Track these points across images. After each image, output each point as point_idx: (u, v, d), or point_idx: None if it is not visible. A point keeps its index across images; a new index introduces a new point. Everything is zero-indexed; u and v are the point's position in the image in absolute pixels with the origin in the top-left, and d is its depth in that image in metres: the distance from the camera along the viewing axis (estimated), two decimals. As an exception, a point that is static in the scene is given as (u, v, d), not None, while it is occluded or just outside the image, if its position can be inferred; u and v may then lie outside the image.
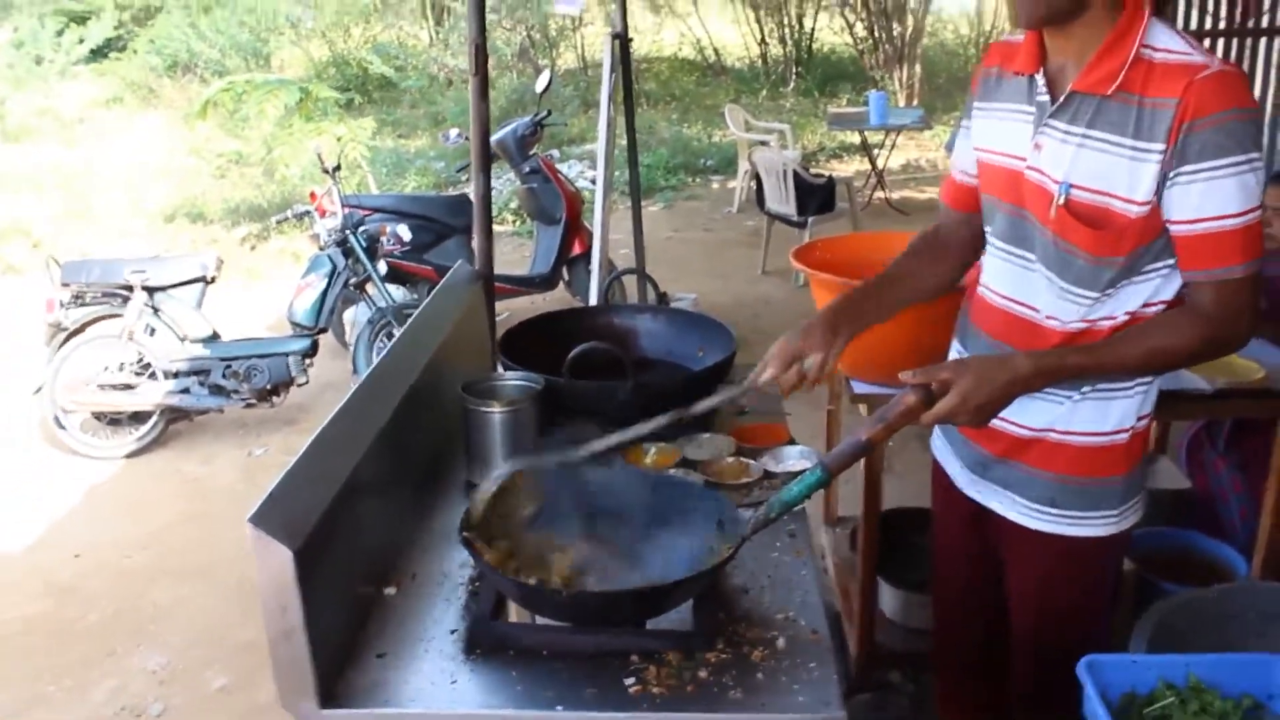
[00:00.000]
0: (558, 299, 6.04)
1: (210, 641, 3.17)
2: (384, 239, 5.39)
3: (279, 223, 5.71)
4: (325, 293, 5.06)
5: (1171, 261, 1.54)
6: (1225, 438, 3.15)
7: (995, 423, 1.63)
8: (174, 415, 4.71)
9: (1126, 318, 1.58)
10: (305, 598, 1.32)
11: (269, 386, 4.67)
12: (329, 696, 1.37)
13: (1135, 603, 2.50)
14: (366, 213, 5.53)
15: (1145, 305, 1.58)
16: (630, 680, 1.40)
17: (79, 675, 3.13)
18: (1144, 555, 2.70)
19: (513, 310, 5.56)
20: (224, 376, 4.62)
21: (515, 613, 1.71)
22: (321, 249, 5.19)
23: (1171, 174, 1.46)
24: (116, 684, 3.08)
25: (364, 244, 5.06)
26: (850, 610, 2.86)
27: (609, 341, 2.17)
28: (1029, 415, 1.67)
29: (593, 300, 4.38)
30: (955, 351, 1.87)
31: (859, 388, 2.51)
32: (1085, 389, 1.63)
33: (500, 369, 2.20)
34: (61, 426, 4.60)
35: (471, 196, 2.67)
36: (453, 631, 1.52)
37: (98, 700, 3.02)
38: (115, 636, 3.31)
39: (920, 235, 1.90)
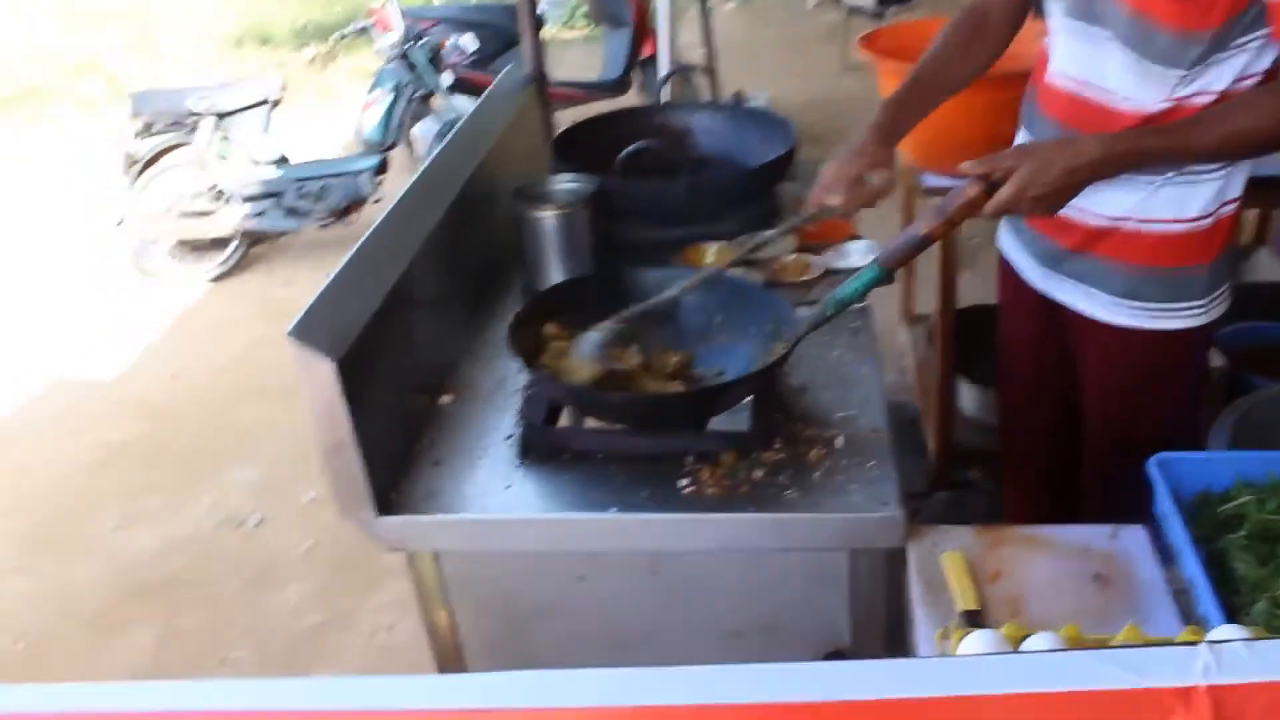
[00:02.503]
0: (632, 103, 5.87)
1: (299, 456, 3.26)
2: (446, 50, 5.27)
3: (339, 40, 5.61)
4: (391, 108, 4.98)
5: (1265, 32, 1.37)
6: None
7: (1067, 213, 1.51)
8: (253, 239, 4.76)
9: (1217, 96, 1.42)
10: (353, 410, 1.31)
11: (343, 205, 4.67)
12: (385, 504, 1.39)
13: (1225, 400, 2.40)
14: (427, 24, 5.38)
15: (1238, 80, 1.41)
16: (684, 482, 1.38)
17: (178, 491, 3.27)
18: (1237, 351, 2.57)
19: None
20: (298, 198, 4.63)
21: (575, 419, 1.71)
22: (386, 64, 5.10)
23: None
24: (215, 498, 3.22)
25: (426, 56, 4.95)
26: (928, 409, 2.83)
27: (665, 141, 2.10)
28: (1104, 203, 1.55)
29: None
30: (1022, 140, 1.72)
31: (930, 181, 2.39)
32: (1168, 173, 1.50)
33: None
34: (147, 256, 4.69)
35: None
36: (508, 438, 1.52)
37: (198, 514, 3.16)
38: (210, 454, 3.44)
39: (961, 15, 1.75)
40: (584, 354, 1.52)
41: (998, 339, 2.00)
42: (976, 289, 3.26)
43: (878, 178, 1.66)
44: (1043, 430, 1.96)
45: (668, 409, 1.48)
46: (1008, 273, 1.86)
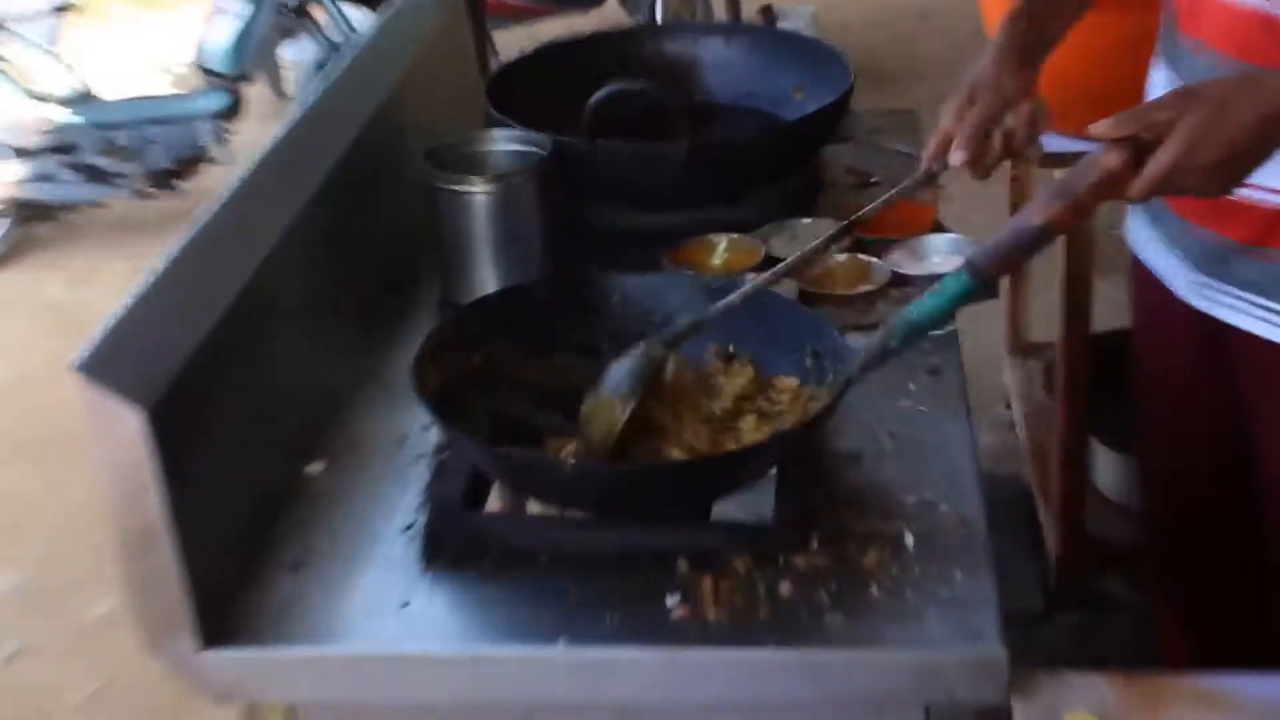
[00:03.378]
0: (610, 24, 5.92)
1: (86, 547, 3.23)
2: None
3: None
4: (250, 24, 5.01)
5: None
6: None
7: (1236, 192, 1.51)
8: (30, 213, 4.76)
9: None
10: (170, 482, 1.30)
11: (170, 166, 4.69)
12: (214, 630, 1.36)
13: None
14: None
15: None
16: (673, 600, 1.36)
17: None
18: None
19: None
20: (102, 153, 4.64)
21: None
22: (242, -43, 5.13)
23: None
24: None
25: (302, -57, 4.99)
26: (1048, 485, 2.83)
27: (657, 80, 2.11)
28: None
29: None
30: (1162, 84, 1.76)
31: (1052, 144, 2.41)
32: None
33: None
34: None
35: None
36: (407, 527, 1.50)
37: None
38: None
39: None
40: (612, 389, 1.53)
41: (1135, 379, 2.05)
42: (1120, 305, 3.27)
43: (1015, 120, 1.73)
44: (1206, 512, 1.99)
45: (650, 488, 1.47)
46: (1146, 281, 1.90)
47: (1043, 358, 3.18)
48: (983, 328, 3.17)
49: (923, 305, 1.42)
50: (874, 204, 1.84)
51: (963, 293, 1.40)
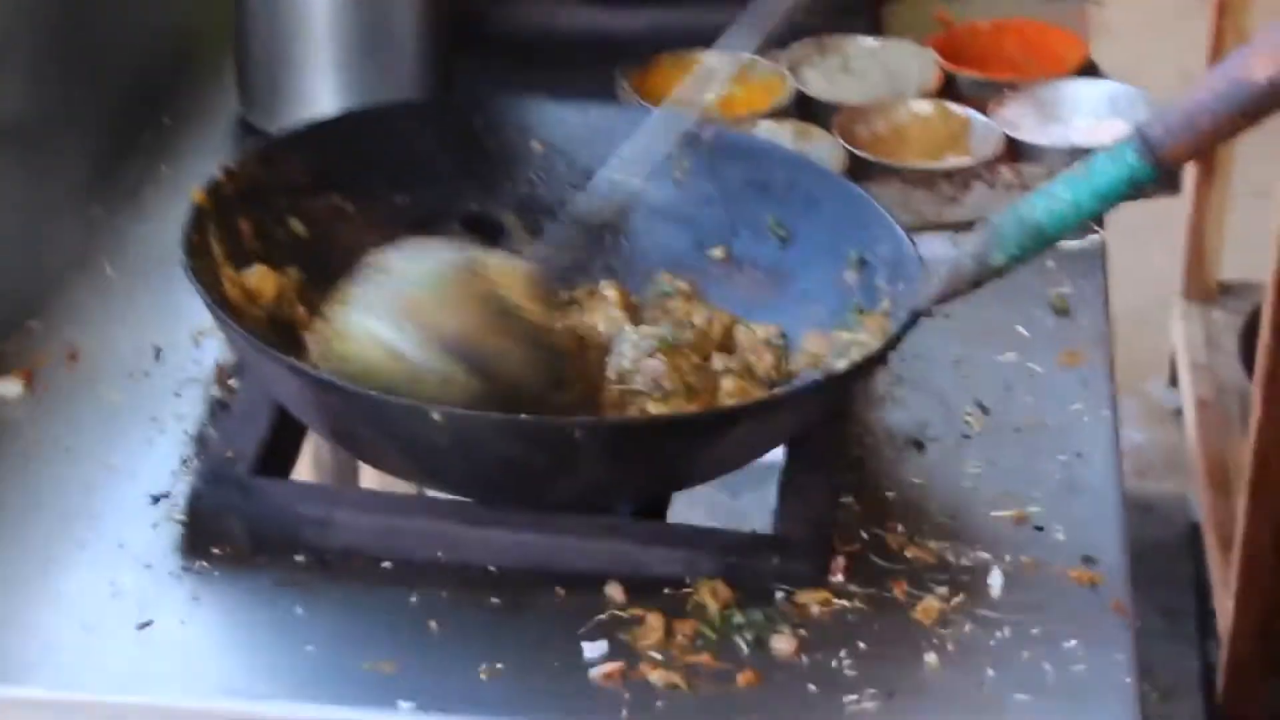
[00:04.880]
0: None
1: None
2: None
3: None
4: None
5: None
6: None
7: None
8: None
9: None
10: None
11: None
12: None
13: None
14: None
15: None
16: (596, 649, 1.37)
17: None
18: None
19: None
20: None
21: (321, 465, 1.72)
22: None
23: None
24: None
25: None
26: (1227, 521, 2.86)
27: None
28: None
29: None
30: None
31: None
32: None
33: None
34: None
35: None
36: (157, 499, 1.51)
37: None
38: None
39: None
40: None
41: None
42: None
43: None
44: None
45: (565, 459, 1.47)
46: None
47: (1238, 307, 3.20)
48: (1142, 249, 3.18)
49: (1054, 197, 1.42)
50: None
51: (1125, 181, 1.40)
